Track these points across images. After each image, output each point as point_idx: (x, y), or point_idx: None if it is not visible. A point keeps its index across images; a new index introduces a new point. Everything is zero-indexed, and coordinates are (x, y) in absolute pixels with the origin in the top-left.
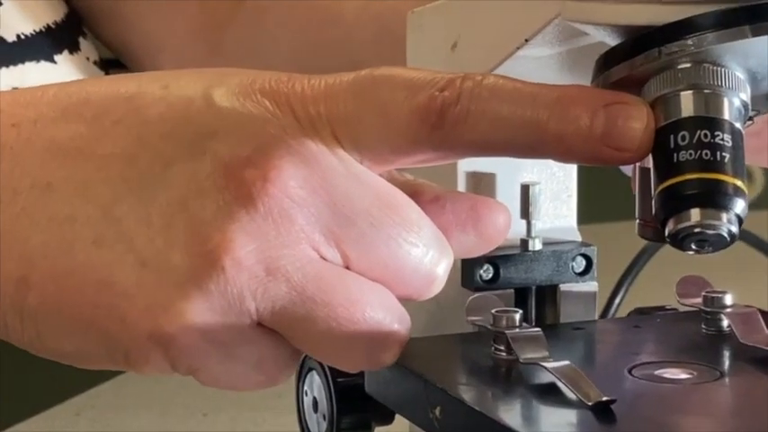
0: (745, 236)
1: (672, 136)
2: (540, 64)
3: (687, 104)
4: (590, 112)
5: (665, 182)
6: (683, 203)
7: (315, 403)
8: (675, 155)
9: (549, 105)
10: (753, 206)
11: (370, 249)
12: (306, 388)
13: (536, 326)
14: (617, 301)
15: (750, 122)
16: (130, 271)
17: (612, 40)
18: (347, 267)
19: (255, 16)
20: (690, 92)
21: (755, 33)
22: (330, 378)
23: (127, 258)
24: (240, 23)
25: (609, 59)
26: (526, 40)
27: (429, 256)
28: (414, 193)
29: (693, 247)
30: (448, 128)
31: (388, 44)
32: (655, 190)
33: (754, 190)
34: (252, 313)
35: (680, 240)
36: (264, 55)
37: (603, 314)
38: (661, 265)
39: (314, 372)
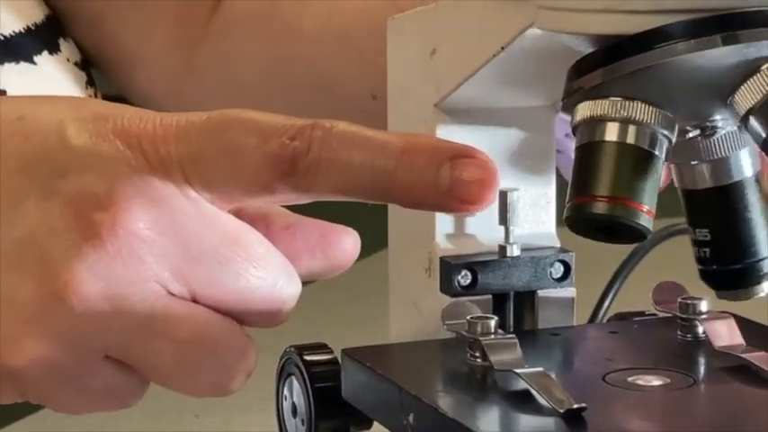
0: None
1: None
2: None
3: None
4: (436, 164)
5: None
6: None
7: (294, 408)
8: None
9: (396, 156)
10: None
11: (219, 286)
12: (285, 392)
13: (514, 332)
14: (606, 304)
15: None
16: None
17: (585, 49)
18: (196, 302)
19: (225, 32)
20: None
21: (726, 42)
22: (308, 383)
23: None
24: (211, 39)
25: (579, 68)
26: (502, 48)
27: (277, 288)
28: (266, 220)
29: None
30: (299, 176)
31: (349, 57)
32: None
33: None
34: (99, 349)
35: None
36: (234, 70)
37: (593, 318)
38: (651, 269)
39: (293, 377)
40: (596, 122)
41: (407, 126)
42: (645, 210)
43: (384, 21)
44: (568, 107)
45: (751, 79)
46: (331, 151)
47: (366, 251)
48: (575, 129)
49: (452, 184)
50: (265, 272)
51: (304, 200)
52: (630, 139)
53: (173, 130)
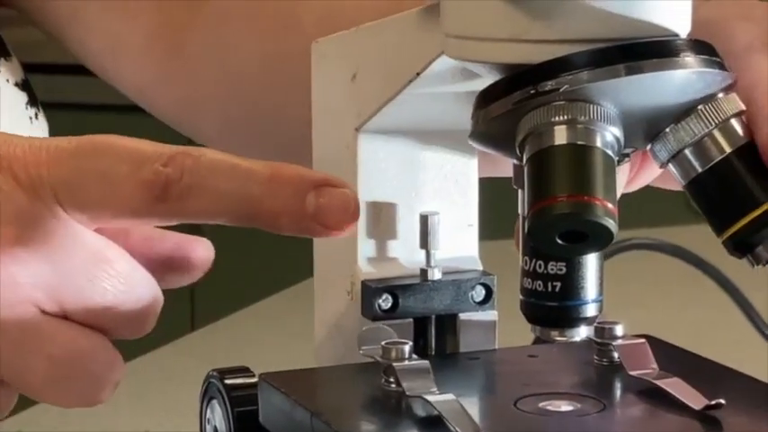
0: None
1: None
2: (438, 99)
3: None
4: (301, 192)
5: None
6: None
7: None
8: None
9: (263, 183)
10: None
11: (89, 301)
12: (209, 416)
13: (434, 355)
14: None
15: (627, 159)
16: None
17: (492, 77)
18: (68, 318)
19: (218, 19)
20: None
21: (629, 72)
22: (229, 407)
23: None
24: (202, 26)
25: (487, 96)
26: (417, 74)
27: (142, 301)
28: (124, 232)
29: None
30: (171, 201)
31: None
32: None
33: None
34: None
35: None
36: (229, 60)
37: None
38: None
39: (215, 400)
40: (543, 129)
41: (331, 149)
42: (609, 207)
43: None
44: (490, 133)
45: (688, 118)
46: (200, 178)
47: (301, 276)
48: (521, 143)
49: (317, 210)
50: (130, 286)
51: (173, 222)
52: (580, 139)
53: (43, 155)
